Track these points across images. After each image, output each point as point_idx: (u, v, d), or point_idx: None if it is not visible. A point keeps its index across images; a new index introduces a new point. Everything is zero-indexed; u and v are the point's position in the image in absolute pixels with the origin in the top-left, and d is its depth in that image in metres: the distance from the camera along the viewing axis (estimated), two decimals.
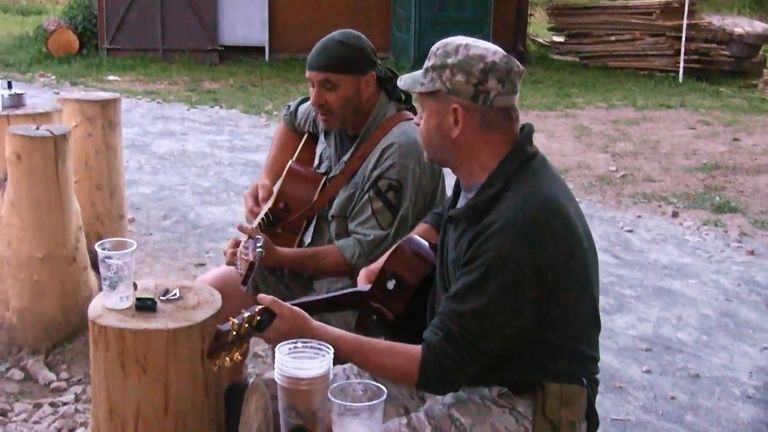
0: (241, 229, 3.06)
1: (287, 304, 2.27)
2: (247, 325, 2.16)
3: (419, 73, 2.37)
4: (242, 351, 2.21)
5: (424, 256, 2.57)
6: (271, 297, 2.25)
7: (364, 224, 3.09)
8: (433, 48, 2.34)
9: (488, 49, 2.28)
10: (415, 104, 2.85)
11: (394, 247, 2.64)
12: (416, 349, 2.25)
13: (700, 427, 4.05)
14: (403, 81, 2.44)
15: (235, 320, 2.14)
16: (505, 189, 2.25)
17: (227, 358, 2.16)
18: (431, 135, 2.35)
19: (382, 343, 2.34)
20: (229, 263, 3.17)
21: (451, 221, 2.39)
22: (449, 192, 2.62)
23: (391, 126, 3.13)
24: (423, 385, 2.28)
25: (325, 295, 2.63)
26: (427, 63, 2.33)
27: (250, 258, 2.84)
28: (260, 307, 2.20)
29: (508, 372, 2.31)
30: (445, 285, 2.38)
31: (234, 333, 2.13)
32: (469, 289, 2.20)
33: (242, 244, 2.99)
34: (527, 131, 2.36)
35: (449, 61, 2.27)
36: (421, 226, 2.81)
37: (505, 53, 2.31)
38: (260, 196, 3.35)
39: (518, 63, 2.32)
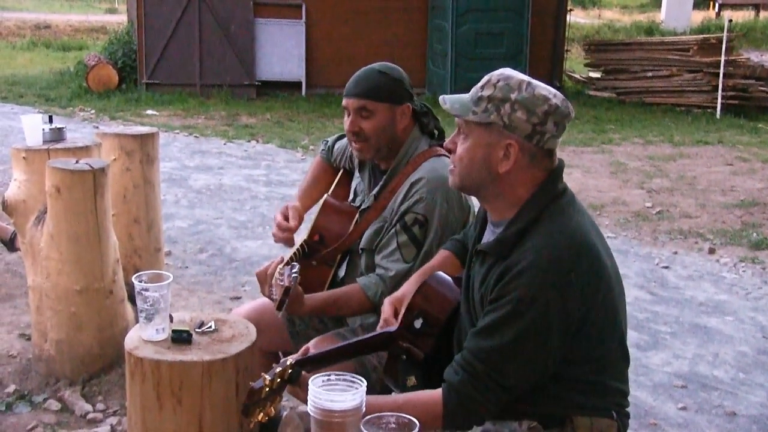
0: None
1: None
2: (279, 380, 2.19)
3: (467, 98, 2.34)
4: (276, 404, 2.23)
5: (449, 293, 2.57)
6: (302, 351, 2.28)
7: (388, 257, 3.10)
8: (492, 78, 2.32)
9: (550, 90, 2.29)
10: (448, 129, 2.83)
11: (419, 284, 2.64)
12: (435, 393, 2.26)
13: None
14: (449, 104, 2.38)
15: (267, 376, 2.16)
16: (533, 224, 2.26)
17: (261, 414, 2.18)
18: (474, 165, 2.33)
19: (398, 399, 2.33)
20: (257, 274, 3.18)
21: (478, 255, 2.39)
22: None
23: (421, 161, 3.14)
24: (449, 427, 2.28)
25: (352, 340, 2.63)
26: (482, 92, 2.30)
27: (286, 283, 2.86)
28: (290, 362, 2.23)
29: (537, 406, 2.30)
30: (472, 320, 2.38)
31: (267, 389, 2.16)
32: (495, 327, 2.21)
33: (277, 270, 3.01)
34: (558, 167, 2.36)
35: (513, 96, 2.26)
36: (442, 254, 2.81)
37: (563, 97, 2.31)
38: (290, 215, 3.35)
39: (572, 108, 2.33)
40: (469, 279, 2.44)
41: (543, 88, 2.29)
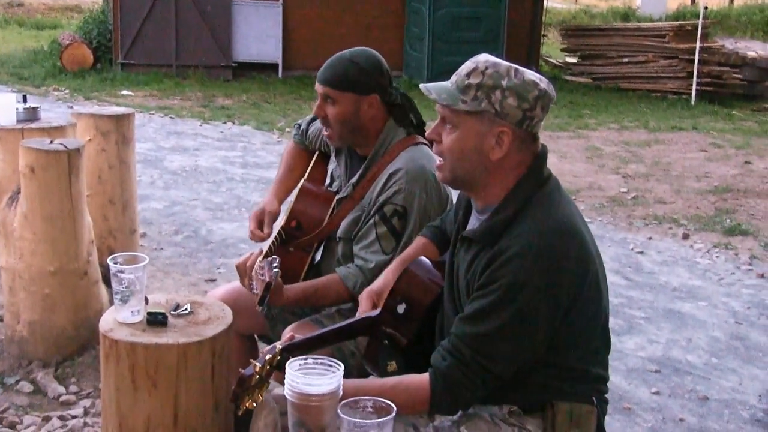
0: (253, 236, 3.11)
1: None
2: (268, 367, 2.18)
3: (450, 86, 2.30)
4: (263, 391, 2.23)
5: (432, 278, 2.57)
6: (288, 336, 2.27)
7: (367, 249, 3.09)
8: (478, 65, 2.27)
9: (536, 75, 2.28)
10: (429, 123, 2.79)
11: (398, 271, 2.63)
12: (423, 379, 2.25)
13: None
14: (435, 94, 2.31)
15: (257, 363, 2.16)
16: (520, 211, 2.25)
17: (250, 401, 2.18)
18: (465, 154, 2.30)
19: (386, 382, 2.32)
20: (237, 266, 3.16)
21: (464, 242, 2.39)
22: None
23: (399, 150, 3.12)
24: (435, 412, 2.29)
25: (336, 326, 2.62)
26: (470, 80, 2.26)
27: (266, 278, 2.84)
28: (278, 347, 2.22)
29: (518, 392, 2.31)
30: (456, 306, 2.37)
31: (257, 376, 2.15)
32: (483, 312, 2.20)
33: (257, 264, 3.00)
34: (542, 153, 2.35)
35: (503, 83, 2.23)
36: (419, 240, 2.80)
37: (548, 80, 2.31)
38: (265, 220, 3.35)
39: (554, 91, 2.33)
40: (453, 265, 2.43)
41: (530, 74, 2.28)
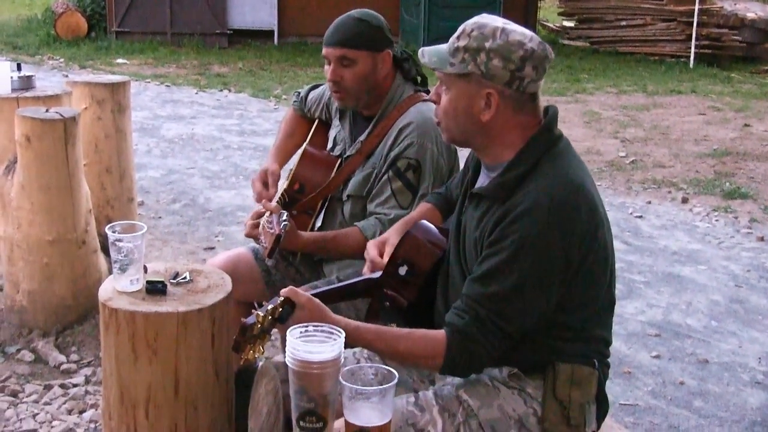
0: (265, 206, 3.05)
1: (306, 293, 2.27)
2: (270, 317, 2.16)
3: (444, 50, 2.31)
4: (264, 343, 2.21)
5: (435, 241, 2.56)
6: (290, 287, 2.25)
7: (383, 204, 3.07)
8: (466, 28, 2.27)
9: (525, 34, 2.25)
10: (431, 78, 2.78)
11: (400, 227, 2.63)
12: (439, 333, 2.24)
13: (708, 412, 4.04)
14: (427, 57, 2.34)
15: (260, 312, 2.14)
16: (532, 169, 2.24)
17: (252, 351, 2.17)
18: (458, 116, 2.30)
19: (402, 330, 2.32)
20: (247, 235, 3.15)
21: (473, 199, 2.37)
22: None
23: (408, 106, 3.11)
24: (448, 369, 2.26)
25: (339, 284, 2.62)
26: (458, 42, 2.27)
27: (276, 231, 2.84)
28: (281, 299, 2.20)
29: (521, 353, 2.30)
30: (462, 265, 2.36)
31: (259, 325, 2.14)
32: (496, 271, 2.19)
33: (265, 218, 3.00)
34: (552, 114, 2.34)
35: (487, 45, 2.22)
36: (424, 206, 2.79)
37: (539, 39, 2.28)
38: (269, 181, 3.32)
39: (551, 50, 2.29)
40: (460, 224, 2.42)
41: (518, 33, 2.25)
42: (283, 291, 2.23)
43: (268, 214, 3.01)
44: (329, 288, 2.58)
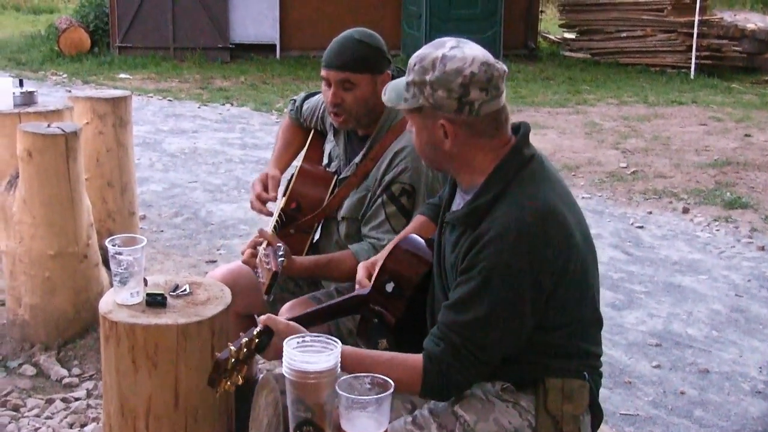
0: (261, 234, 3.04)
1: (282, 319, 2.26)
2: (245, 350, 2.17)
3: (402, 85, 2.32)
4: (243, 374, 2.21)
5: (421, 256, 2.54)
6: (266, 315, 2.24)
7: (377, 228, 3.07)
8: (411, 62, 2.27)
9: (465, 59, 2.20)
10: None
11: (391, 247, 2.62)
12: (417, 359, 2.24)
13: (709, 422, 4.05)
14: (387, 95, 2.37)
15: (233, 347, 2.14)
16: (501, 194, 2.22)
17: (228, 383, 2.17)
18: (424, 148, 2.33)
19: (383, 355, 2.32)
20: (245, 263, 3.15)
21: (448, 224, 2.38)
22: None
23: (402, 128, 3.08)
24: (427, 395, 2.28)
25: (325, 304, 2.62)
26: (407, 78, 2.27)
27: (273, 267, 2.81)
28: (257, 330, 2.21)
29: (510, 369, 2.30)
30: (443, 286, 2.37)
31: (233, 360, 2.14)
32: (468, 299, 2.19)
33: (262, 251, 2.96)
34: (523, 132, 2.32)
35: (427, 78, 2.21)
36: (418, 219, 2.79)
37: (483, 60, 2.22)
38: (270, 185, 3.32)
39: (499, 66, 2.24)
40: (440, 246, 2.42)
41: (456, 60, 2.20)
42: (261, 318, 2.23)
43: (265, 244, 2.97)
44: (317, 308, 2.58)
